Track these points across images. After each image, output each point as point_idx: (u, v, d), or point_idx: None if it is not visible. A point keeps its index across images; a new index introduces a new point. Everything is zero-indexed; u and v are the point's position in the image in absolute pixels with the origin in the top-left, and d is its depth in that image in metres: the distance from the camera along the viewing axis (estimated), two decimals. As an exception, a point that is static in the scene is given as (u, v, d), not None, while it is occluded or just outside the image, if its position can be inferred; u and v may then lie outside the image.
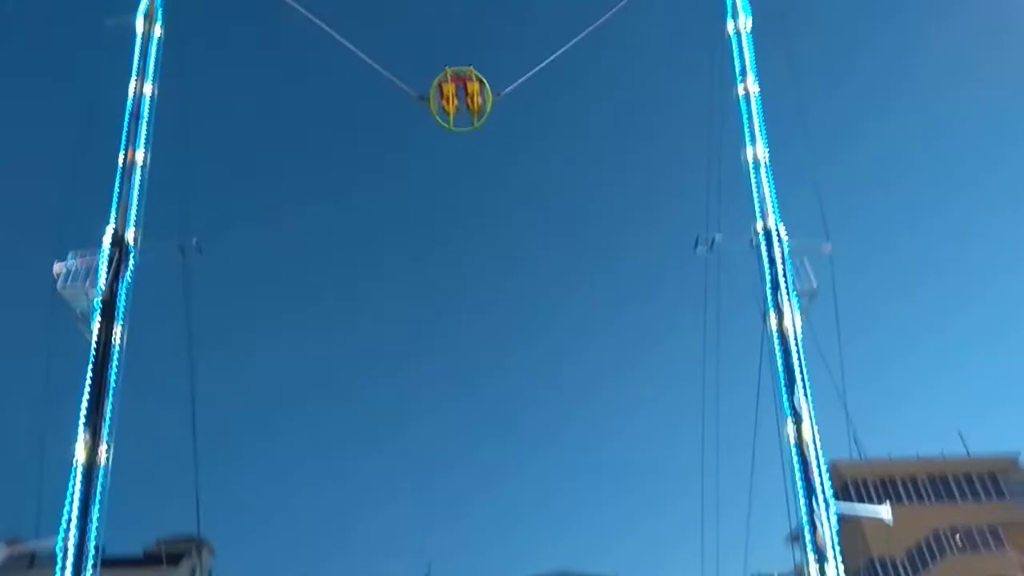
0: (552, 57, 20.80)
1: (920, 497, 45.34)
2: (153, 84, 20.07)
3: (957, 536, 43.66)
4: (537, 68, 20.51)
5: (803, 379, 18.42)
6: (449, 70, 19.55)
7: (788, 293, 19.31)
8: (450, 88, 19.48)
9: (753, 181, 20.64)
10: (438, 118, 19.28)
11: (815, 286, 19.79)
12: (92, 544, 16.12)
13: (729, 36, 22.35)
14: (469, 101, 19.45)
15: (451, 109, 19.38)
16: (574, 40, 21.46)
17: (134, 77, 19.97)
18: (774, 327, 19.02)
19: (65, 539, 15.96)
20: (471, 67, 19.78)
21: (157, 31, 20.53)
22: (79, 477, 16.31)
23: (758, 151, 20.80)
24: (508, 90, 19.89)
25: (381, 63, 20.09)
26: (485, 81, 19.61)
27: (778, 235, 19.98)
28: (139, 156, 19.21)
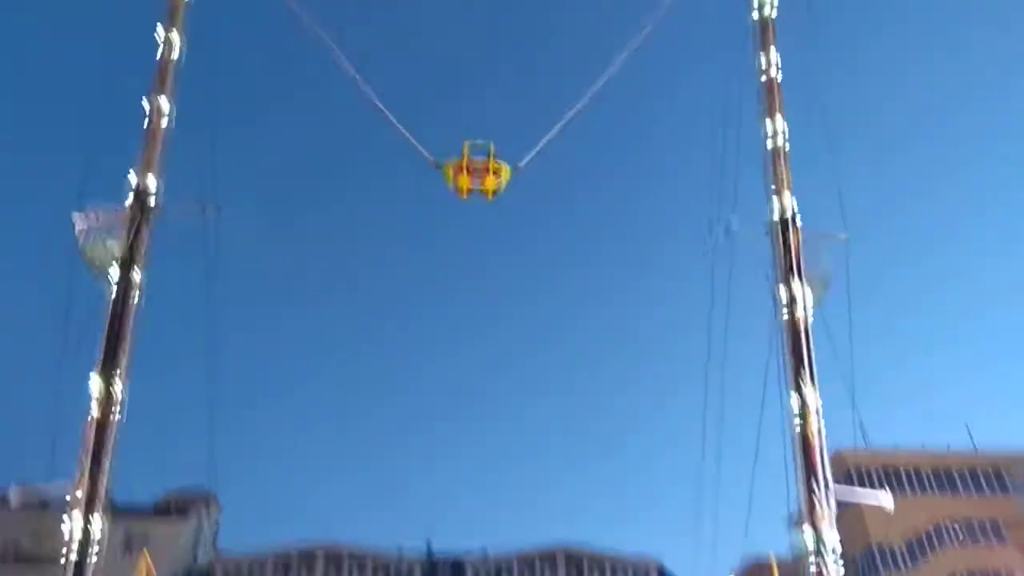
0: (567, 119, 20.25)
1: (923, 488, 45.39)
2: (182, 36, 20.11)
3: (957, 528, 43.81)
4: (553, 132, 20.00)
5: (811, 365, 18.44)
6: (466, 151, 19.05)
7: (801, 280, 19.26)
8: (464, 180, 19.13)
9: (770, 165, 20.49)
10: (451, 186, 19.12)
11: (830, 274, 19.73)
12: (102, 491, 16.46)
13: (751, 22, 22.04)
14: (484, 180, 19.16)
15: (466, 178, 19.07)
16: (589, 93, 20.71)
17: (162, 27, 20.00)
18: (785, 312, 19.02)
19: (76, 485, 16.28)
20: (491, 145, 19.24)
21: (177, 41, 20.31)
22: (92, 424, 16.62)
23: (777, 128, 20.58)
24: (525, 162, 19.51)
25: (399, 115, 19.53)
26: (504, 165, 19.20)
27: (794, 221, 19.87)
28: (163, 106, 19.32)
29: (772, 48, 21.50)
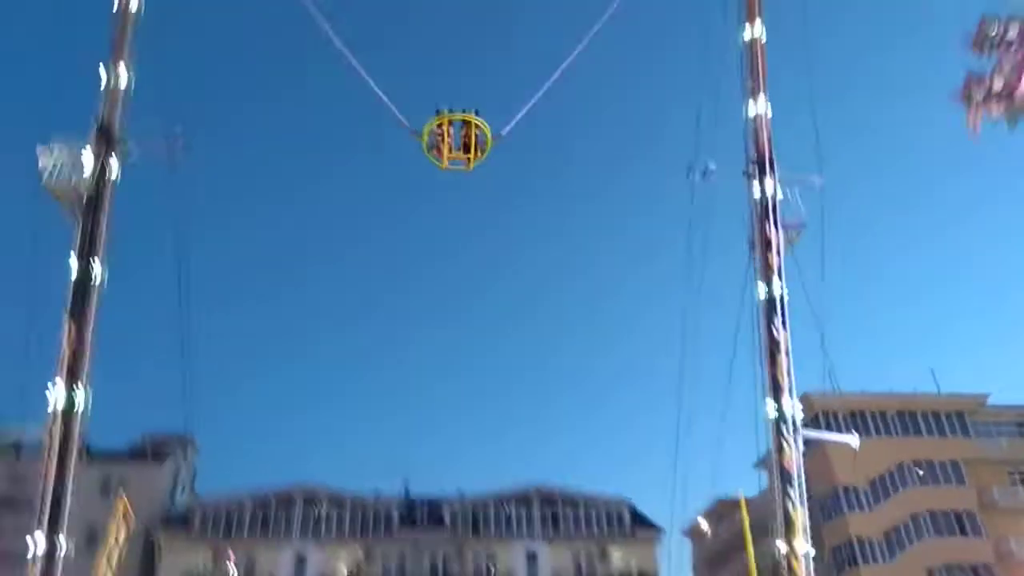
0: (547, 84, 19.38)
1: (888, 431, 46.60)
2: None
3: (919, 469, 45.15)
4: (533, 100, 19.11)
5: (782, 308, 18.71)
6: (446, 118, 17.93)
7: (776, 225, 19.39)
8: (446, 144, 18.03)
9: (748, 108, 20.42)
10: (430, 156, 18.02)
11: (804, 219, 19.88)
12: (76, 435, 16.32)
13: None
14: (464, 144, 18.02)
15: (446, 153, 18.02)
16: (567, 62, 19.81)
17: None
18: (759, 254, 19.18)
19: (50, 429, 16.10)
20: (471, 113, 17.98)
21: None
22: (64, 366, 16.43)
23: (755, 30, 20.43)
24: (507, 129, 18.41)
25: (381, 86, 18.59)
26: (486, 127, 18.04)
27: (772, 168, 19.91)
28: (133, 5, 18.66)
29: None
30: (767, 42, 20.60)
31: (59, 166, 17.38)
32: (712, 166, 20.32)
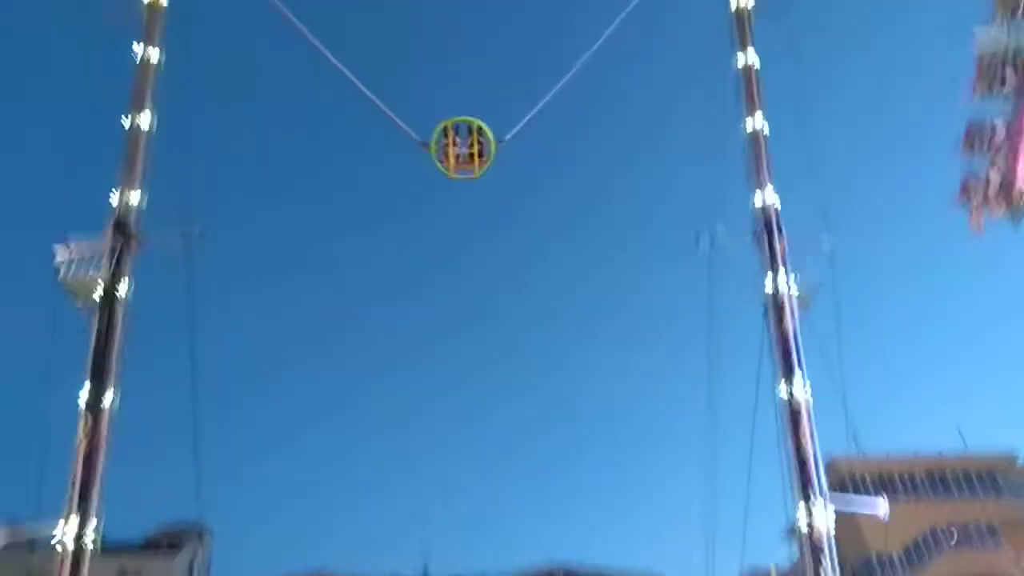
0: (551, 93, 20.37)
1: (918, 493, 45.41)
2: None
3: (954, 533, 43.77)
4: (538, 107, 20.11)
5: (802, 372, 18.47)
6: (450, 126, 18.83)
7: (788, 286, 19.35)
8: (452, 152, 18.91)
9: (753, 167, 20.69)
10: (439, 164, 18.78)
11: (815, 279, 19.83)
12: (91, 529, 16.15)
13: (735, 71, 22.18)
14: (470, 154, 18.91)
15: (452, 161, 18.84)
16: (572, 71, 21.06)
17: (138, 50, 19.93)
18: (773, 319, 19.07)
19: (65, 525, 15.99)
20: (475, 120, 18.95)
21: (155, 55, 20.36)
22: (80, 461, 16.36)
23: (756, 122, 20.80)
24: (510, 136, 19.32)
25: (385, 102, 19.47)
26: (488, 132, 18.86)
27: (779, 228, 20.00)
28: (144, 123, 19.16)
29: (750, 45, 21.76)
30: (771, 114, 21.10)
31: (75, 261, 17.69)
32: (720, 229, 20.47)
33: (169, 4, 20.88)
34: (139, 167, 18.90)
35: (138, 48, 20.11)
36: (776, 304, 19.24)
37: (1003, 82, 17.59)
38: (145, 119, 19.44)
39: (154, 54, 20.18)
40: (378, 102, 19.64)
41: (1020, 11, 18.14)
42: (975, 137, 16.01)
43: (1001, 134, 15.96)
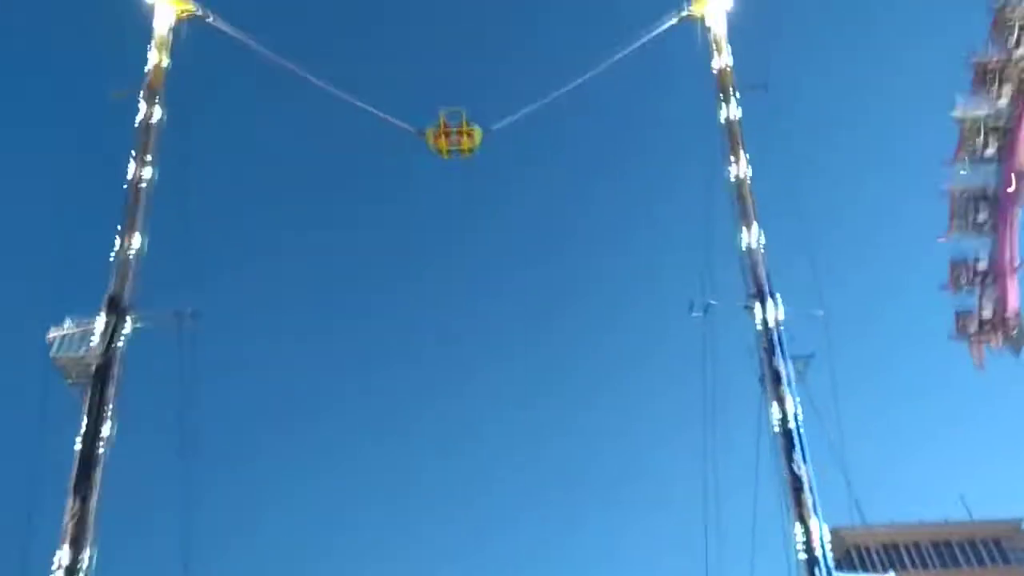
0: (541, 103, 23.97)
1: (924, 563, 44.44)
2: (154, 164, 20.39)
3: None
4: (526, 110, 23.77)
5: (801, 446, 18.25)
6: (443, 118, 22.63)
7: (783, 358, 19.26)
8: (443, 143, 22.80)
9: (744, 244, 20.82)
10: (433, 147, 22.76)
11: (810, 351, 19.78)
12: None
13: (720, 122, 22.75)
14: (460, 141, 22.83)
15: (444, 149, 22.78)
16: (563, 89, 24.50)
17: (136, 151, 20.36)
18: (771, 392, 18.93)
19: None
20: (463, 112, 22.83)
21: (157, 113, 20.99)
22: (67, 538, 16.01)
23: (752, 232, 21.11)
24: (498, 126, 23.04)
25: (378, 100, 23.65)
26: (476, 128, 22.70)
27: (773, 299, 20.03)
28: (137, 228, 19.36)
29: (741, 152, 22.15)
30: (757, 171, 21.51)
31: (68, 339, 17.60)
32: (713, 302, 20.53)
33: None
34: (135, 245, 19.00)
35: (142, 110, 20.57)
36: (773, 375, 19.14)
37: (984, 148, 18.17)
38: (144, 184, 19.78)
39: (156, 112, 20.78)
40: (376, 111, 23.52)
41: (996, 81, 18.91)
42: (960, 273, 16.78)
43: (984, 265, 16.63)
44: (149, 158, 20.17)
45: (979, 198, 18.71)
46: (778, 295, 19.99)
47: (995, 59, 19.83)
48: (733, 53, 23.16)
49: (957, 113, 19.68)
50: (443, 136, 22.72)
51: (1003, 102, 19.49)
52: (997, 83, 19.52)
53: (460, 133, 22.77)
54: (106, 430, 17.23)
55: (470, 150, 23.00)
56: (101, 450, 17.08)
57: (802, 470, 18.11)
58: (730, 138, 22.06)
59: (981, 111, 19.70)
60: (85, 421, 17.02)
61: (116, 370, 17.83)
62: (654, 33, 24.52)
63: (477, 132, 22.97)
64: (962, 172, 18.80)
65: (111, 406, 17.48)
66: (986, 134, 19.19)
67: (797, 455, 18.22)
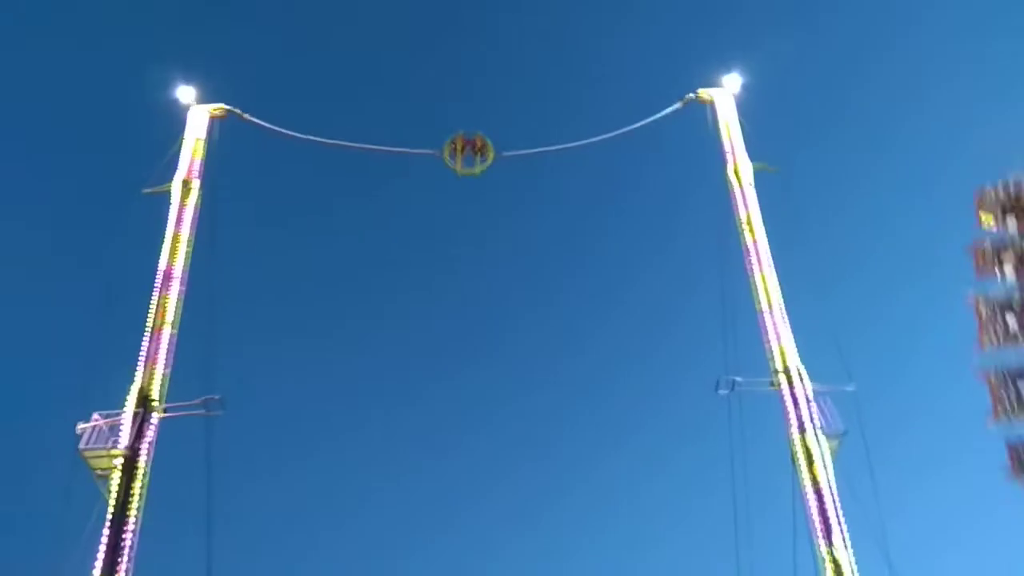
0: (559, 147, 26.16)
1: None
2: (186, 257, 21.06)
3: None
4: (541, 150, 26.06)
5: (840, 527, 17.62)
6: (460, 136, 25.08)
7: (816, 436, 18.83)
8: (459, 144, 25.08)
9: (769, 322, 20.69)
10: (448, 162, 24.78)
11: (842, 427, 19.30)
12: None
13: (731, 186, 23.14)
14: (474, 150, 24.96)
15: (459, 155, 24.90)
16: (573, 144, 26.29)
17: (168, 238, 20.90)
18: (805, 472, 18.41)
19: None
20: (478, 132, 25.24)
21: (195, 196, 21.81)
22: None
23: (771, 290, 21.10)
24: (509, 154, 25.18)
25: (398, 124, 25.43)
26: (490, 145, 25.11)
27: (800, 376, 19.73)
28: (169, 316, 19.73)
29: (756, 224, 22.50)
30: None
31: (96, 434, 17.65)
32: (739, 379, 20.31)
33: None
34: (164, 342, 19.21)
35: (174, 203, 21.38)
36: (806, 455, 18.67)
37: (1007, 328, 18.33)
38: (175, 288, 20.13)
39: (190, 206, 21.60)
40: (391, 149, 26.05)
41: (1004, 263, 18.98)
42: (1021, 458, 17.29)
43: None
44: (182, 251, 20.66)
45: (1017, 376, 18.72)
46: (803, 369, 19.76)
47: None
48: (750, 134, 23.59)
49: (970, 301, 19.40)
50: (459, 147, 24.92)
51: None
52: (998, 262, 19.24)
53: (475, 145, 24.93)
54: (132, 519, 17.06)
55: (481, 156, 25.00)
56: (127, 540, 16.86)
57: (841, 553, 17.47)
58: (748, 233, 22.41)
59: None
60: (111, 514, 16.84)
61: (144, 461, 17.77)
62: (660, 115, 25.50)
63: (491, 149, 25.06)
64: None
65: (139, 495, 17.36)
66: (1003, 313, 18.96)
67: (836, 537, 17.59)
